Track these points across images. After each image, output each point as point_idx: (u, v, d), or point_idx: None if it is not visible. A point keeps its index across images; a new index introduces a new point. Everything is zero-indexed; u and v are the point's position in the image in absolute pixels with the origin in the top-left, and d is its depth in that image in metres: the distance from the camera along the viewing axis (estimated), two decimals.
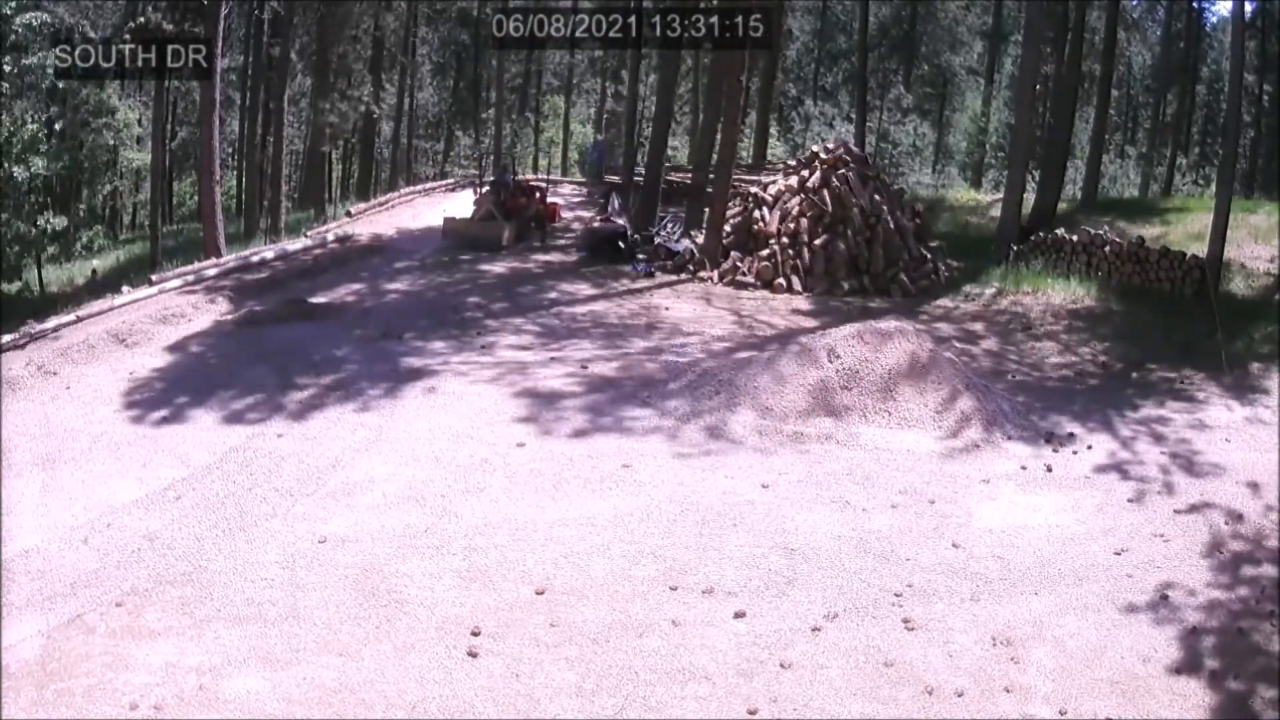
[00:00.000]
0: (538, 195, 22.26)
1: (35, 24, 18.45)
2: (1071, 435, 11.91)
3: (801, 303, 17.68)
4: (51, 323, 15.07)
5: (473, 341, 14.78)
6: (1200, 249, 18.09)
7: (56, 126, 27.13)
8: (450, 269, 18.99)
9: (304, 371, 13.31)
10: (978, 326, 16.62)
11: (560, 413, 12.02)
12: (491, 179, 22.74)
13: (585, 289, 18.05)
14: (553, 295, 17.54)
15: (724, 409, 11.80)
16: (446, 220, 21.34)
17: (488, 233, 20.40)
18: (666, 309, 16.98)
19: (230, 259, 19.81)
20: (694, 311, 16.91)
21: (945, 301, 17.92)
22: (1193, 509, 10.05)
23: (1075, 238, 18.75)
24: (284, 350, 14.15)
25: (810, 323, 16.20)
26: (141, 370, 13.56)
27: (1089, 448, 11.51)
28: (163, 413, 12.07)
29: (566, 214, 24.25)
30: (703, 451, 11.05)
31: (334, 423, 11.69)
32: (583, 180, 31.90)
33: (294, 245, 20.85)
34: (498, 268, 19.28)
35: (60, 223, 20.44)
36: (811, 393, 11.82)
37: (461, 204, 25.93)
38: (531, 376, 13.29)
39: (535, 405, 12.23)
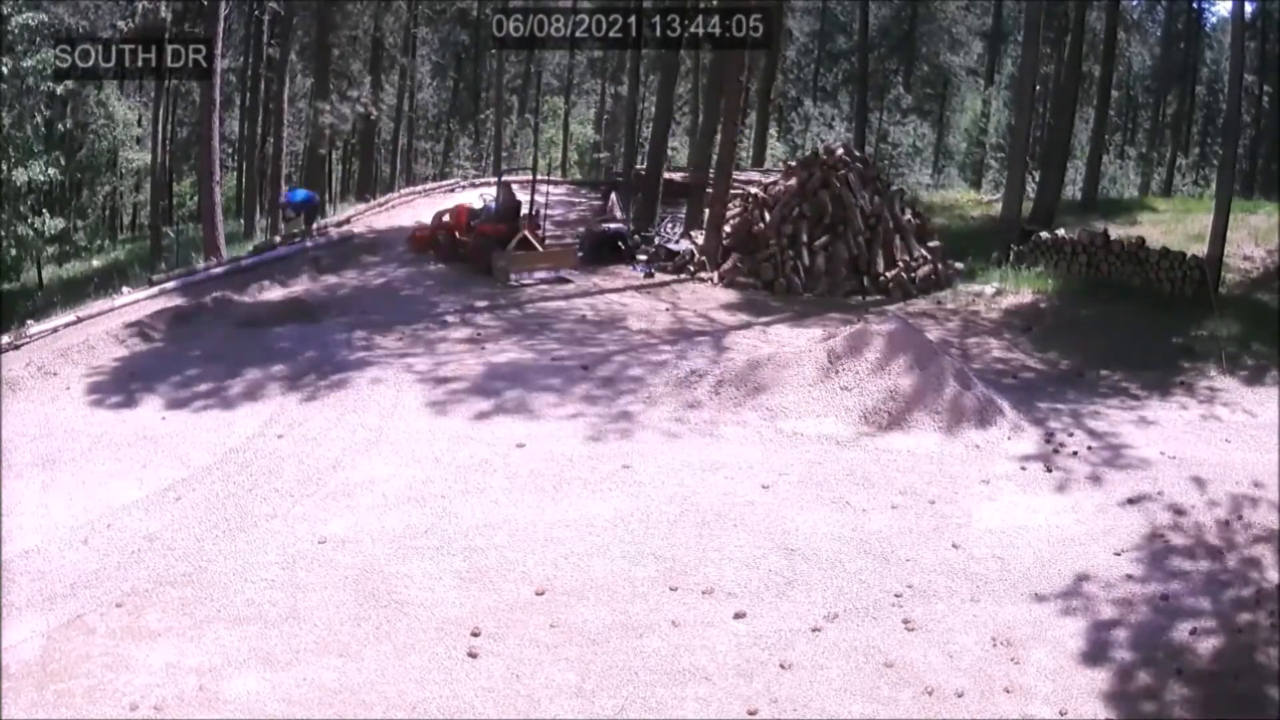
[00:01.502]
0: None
1: (33, 24, 18.39)
2: (1071, 435, 11.91)
3: (796, 303, 17.71)
4: (51, 323, 15.12)
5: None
6: (1190, 249, 18.11)
7: (59, 127, 27.13)
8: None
9: (298, 366, 13.35)
10: (966, 323, 16.65)
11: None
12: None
13: (571, 286, 18.09)
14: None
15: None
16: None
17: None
18: (667, 307, 17.01)
19: (230, 259, 19.85)
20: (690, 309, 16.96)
21: (928, 302, 17.95)
22: (1193, 509, 10.05)
23: (1075, 237, 18.75)
24: (282, 348, 14.17)
25: (811, 327, 16.27)
26: (138, 367, 13.57)
27: (1089, 448, 11.50)
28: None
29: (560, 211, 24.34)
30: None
31: (333, 423, 11.70)
32: (580, 180, 32.11)
33: (294, 246, 20.85)
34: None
35: (57, 225, 20.36)
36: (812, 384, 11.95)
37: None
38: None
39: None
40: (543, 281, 17.92)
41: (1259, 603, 8.42)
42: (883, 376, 12.11)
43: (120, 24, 29.06)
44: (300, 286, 17.72)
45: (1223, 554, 9.22)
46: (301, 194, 22.14)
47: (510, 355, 14.14)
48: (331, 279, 18.20)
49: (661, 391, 12.52)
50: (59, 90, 21.81)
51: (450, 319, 15.83)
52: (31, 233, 19.88)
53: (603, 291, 17.79)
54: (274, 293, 17.21)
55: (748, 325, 16.18)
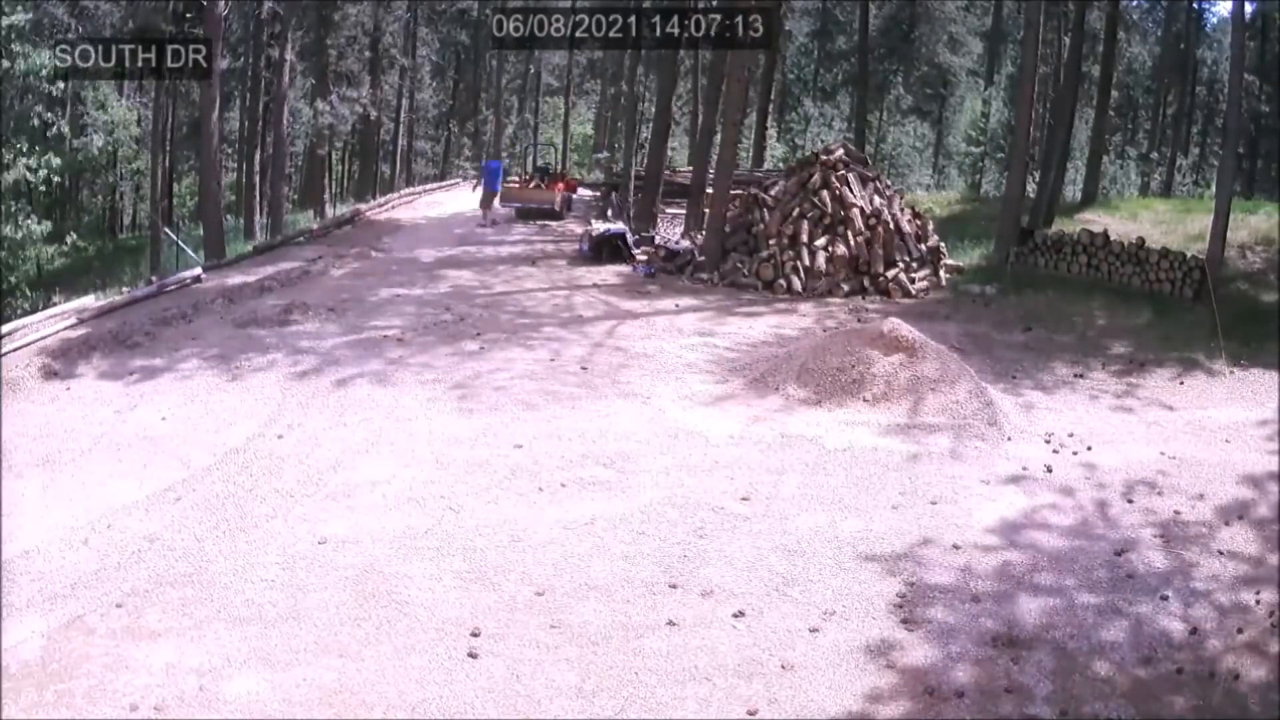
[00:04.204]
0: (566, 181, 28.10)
1: (20, 24, 18.24)
2: (1071, 435, 11.90)
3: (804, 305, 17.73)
4: (54, 326, 15.12)
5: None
6: (1190, 249, 18.11)
7: (54, 129, 26.98)
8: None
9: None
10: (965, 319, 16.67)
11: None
12: (538, 167, 29.22)
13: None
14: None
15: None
16: (504, 188, 25.93)
17: (541, 199, 25.38)
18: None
19: (229, 260, 19.87)
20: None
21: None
22: (1194, 510, 10.05)
23: (1076, 236, 18.75)
24: (284, 347, 14.21)
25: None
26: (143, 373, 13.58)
27: (1089, 448, 11.50)
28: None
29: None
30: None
31: (332, 424, 11.71)
32: (580, 181, 32.35)
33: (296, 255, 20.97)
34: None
35: (45, 228, 20.17)
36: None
37: (460, 201, 26.16)
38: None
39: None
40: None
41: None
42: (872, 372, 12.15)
43: (117, 22, 28.98)
44: (307, 291, 17.76)
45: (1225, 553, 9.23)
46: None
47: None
48: (341, 282, 18.26)
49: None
50: (56, 91, 21.69)
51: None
52: (20, 234, 19.73)
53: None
54: (277, 297, 17.26)
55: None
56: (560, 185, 26.54)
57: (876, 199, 19.17)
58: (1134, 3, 40.51)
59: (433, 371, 13.48)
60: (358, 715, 6.89)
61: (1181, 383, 14.15)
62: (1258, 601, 8.41)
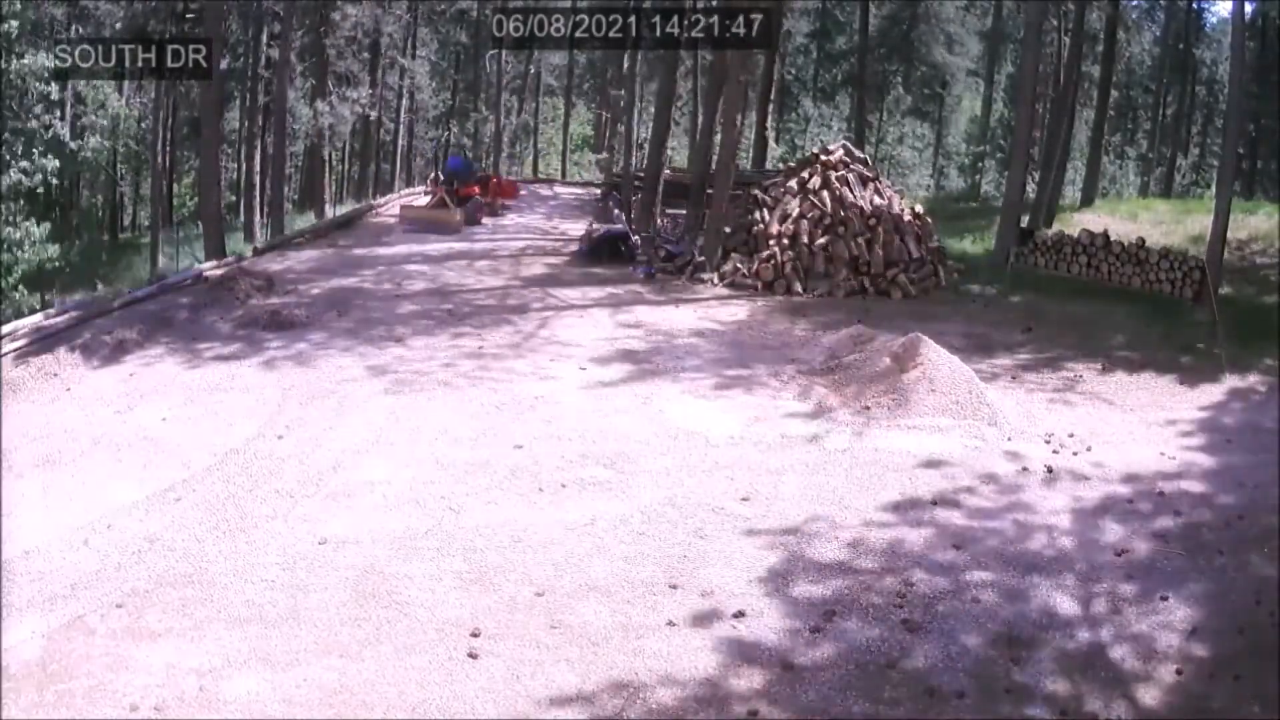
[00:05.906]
0: (493, 181, 26.25)
1: (31, 16, 18.07)
2: (1071, 435, 11.91)
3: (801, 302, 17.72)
4: (53, 326, 15.10)
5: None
6: (1190, 249, 18.12)
7: (52, 132, 26.92)
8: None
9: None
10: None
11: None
12: (447, 171, 25.18)
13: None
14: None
15: None
16: (402, 208, 24.27)
17: (440, 218, 22.94)
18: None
19: (229, 260, 19.86)
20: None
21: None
22: (1195, 511, 10.06)
23: (1076, 237, 18.75)
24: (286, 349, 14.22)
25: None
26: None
27: (1089, 448, 11.51)
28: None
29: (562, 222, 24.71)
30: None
31: (332, 424, 11.71)
32: (584, 182, 32.34)
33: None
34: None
35: (43, 230, 20.03)
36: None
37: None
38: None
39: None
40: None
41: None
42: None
43: (117, 23, 28.99)
44: (305, 292, 17.78)
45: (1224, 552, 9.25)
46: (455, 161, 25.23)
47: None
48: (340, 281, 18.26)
49: None
50: (54, 93, 21.59)
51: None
52: (19, 234, 19.61)
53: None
54: (278, 297, 17.28)
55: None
56: (478, 189, 24.11)
57: (876, 199, 19.16)
58: (1134, 3, 40.47)
59: (432, 369, 13.48)
60: (358, 715, 6.89)
61: (1181, 383, 14.15)
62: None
